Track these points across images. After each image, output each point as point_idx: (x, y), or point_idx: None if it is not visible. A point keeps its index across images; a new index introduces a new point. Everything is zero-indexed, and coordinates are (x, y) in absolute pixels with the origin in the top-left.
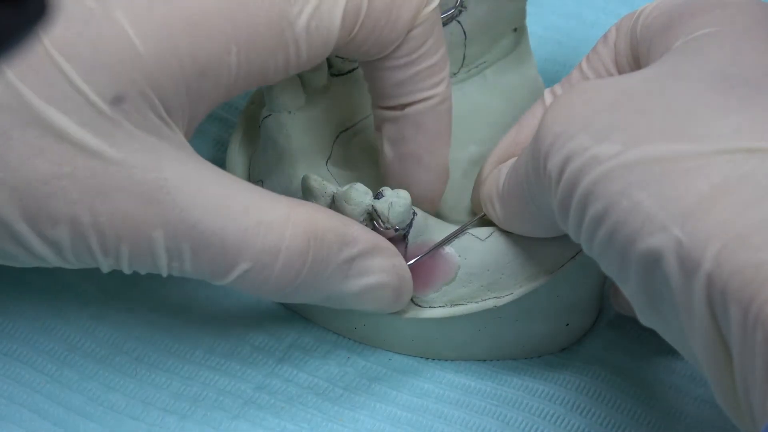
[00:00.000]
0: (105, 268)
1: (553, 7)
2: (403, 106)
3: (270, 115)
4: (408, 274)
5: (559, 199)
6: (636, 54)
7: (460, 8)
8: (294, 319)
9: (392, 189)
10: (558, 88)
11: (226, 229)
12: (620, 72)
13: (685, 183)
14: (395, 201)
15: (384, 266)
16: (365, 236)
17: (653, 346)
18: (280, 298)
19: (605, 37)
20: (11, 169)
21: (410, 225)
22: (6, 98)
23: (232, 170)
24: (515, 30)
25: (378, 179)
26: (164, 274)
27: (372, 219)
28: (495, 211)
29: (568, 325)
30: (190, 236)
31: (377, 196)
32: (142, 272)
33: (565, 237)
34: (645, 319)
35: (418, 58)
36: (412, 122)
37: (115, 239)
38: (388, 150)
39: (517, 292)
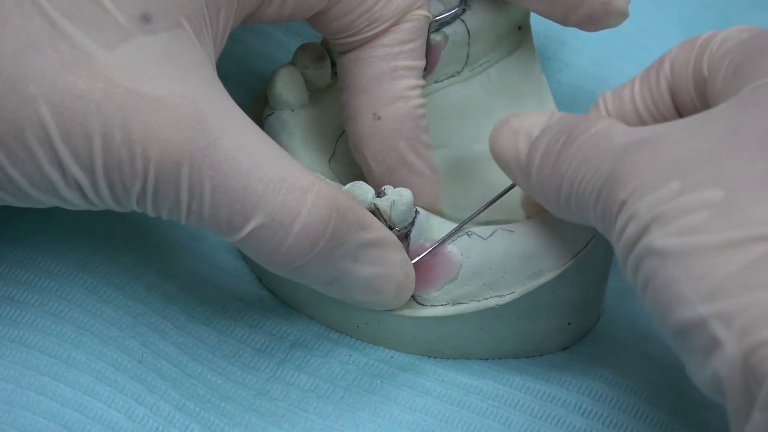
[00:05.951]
0: (132, 201)
1: None
2: (378, 116)
3: (273, 113)
4: (412, 271)
5: (620, 254)
6: (701, 88)
7: (464, 7)
8: (296, 317)
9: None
10: (608, 97)
11: (250, 176)
12: (678, 103)
13: (716, 261)
14: (397, 199)
15: (393, 259)
16: (379, 225)
17: (655, 345)
18: (289, 273)
19: (659, 66)
20: (47, 83)
21: (412, 223)
22: (38, 17)
23: None
24: (519, 28)
25: None
26: (183, 218)
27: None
28: (515, 178)
29: (570, 324)
30: (214, 172)
31: (379, 194)
32: (164, 212)
33: (566, 235)
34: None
35: (399, 53)
36: (390, 129)
37: (144, 160)
38: (374, 165)
39: (519, 291)
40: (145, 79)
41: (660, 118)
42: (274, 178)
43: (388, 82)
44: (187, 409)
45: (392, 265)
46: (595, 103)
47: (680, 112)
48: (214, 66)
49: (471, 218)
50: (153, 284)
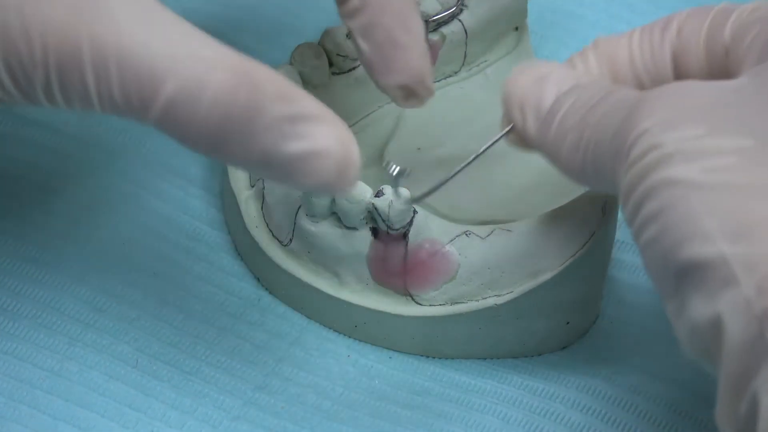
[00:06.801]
0: (39, 93)
1: (554, 7)
2: None
3: None
4: (354, 147)
5: (628, 183)
6: (716, 58)
7: (462, 6)
8: (294, 317)
9: (390, 165)
10: (601, 43)
11: (155, 50)
12: (680, 70)
13: (747, 203)
14: (395, 199)
15: (327, 133)
16: (310, 101)
17: (654, 343)
18: (214, 151)
19: (665, 27)
20: None
21: (410, 223)
22: None
23: (233, 172)
24: (516, 29)
25: (379, 178)
26: (96, 106)
27: (372, 217)
28: (525, 123)
29: (568, 323)
30: (117, 50)
31: (378, 194)
32: (76, 101)
33: (564, 235)
34: (677, 331)
35: None
36: (376, 5)
37: (43, 48)
38: (363, 45)
39: (518, 290)
40: None
41: (657, 79)
42: (180, 53)
43: None
44: (182, 406)
45: (327, 139)
46: (579, 52)
47: (680, 79)
48: None
49: (460, 170)
50: (149, 287)
